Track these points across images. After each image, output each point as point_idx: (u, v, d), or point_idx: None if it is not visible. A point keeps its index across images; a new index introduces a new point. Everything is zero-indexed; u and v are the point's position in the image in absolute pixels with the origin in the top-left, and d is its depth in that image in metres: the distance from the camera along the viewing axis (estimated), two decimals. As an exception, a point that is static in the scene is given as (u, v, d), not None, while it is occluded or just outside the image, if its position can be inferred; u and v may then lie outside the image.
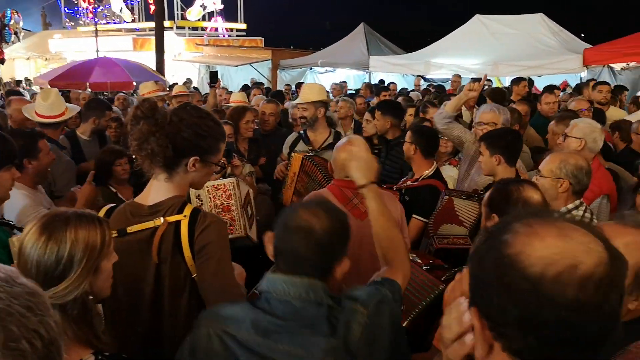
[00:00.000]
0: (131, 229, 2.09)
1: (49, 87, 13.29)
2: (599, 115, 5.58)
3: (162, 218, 2.07)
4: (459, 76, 11.43)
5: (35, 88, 14.87)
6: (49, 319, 0.91)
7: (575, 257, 0.90)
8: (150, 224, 2.08)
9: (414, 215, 3.81)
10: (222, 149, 2.24)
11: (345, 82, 14.67)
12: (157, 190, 2.16)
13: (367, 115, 5.37)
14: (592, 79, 9.37)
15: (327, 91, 5.88)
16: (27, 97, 10.22)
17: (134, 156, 2.17)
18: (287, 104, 6.91)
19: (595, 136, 3.87)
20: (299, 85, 13.36)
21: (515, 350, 0.95)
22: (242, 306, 1.71)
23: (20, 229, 2.59)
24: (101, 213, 2.16)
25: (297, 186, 4.16)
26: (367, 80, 15.66)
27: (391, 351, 1.68)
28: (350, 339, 1.58)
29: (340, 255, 1.73)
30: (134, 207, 2.16)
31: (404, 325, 2.51)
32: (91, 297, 1.63)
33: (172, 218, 2.08)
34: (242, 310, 1.68)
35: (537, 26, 13.45)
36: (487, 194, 2.53)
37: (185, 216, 2.08)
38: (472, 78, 12.61)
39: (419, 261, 2.78)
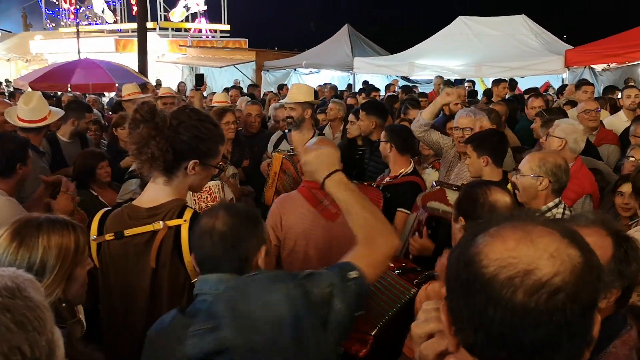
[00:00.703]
0: (128, 232, 2.06)
1: (30, 89, 13.13)
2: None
3: (161, 222, 2.03)
4: (442, 78, 11.45)
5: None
6: (41, 337, 0.87)
7: (533, 262, 0.89)
8: (149, 228, 2.04)
9: (398, 209, 3.82)
10: (221, 151, 2.22)
11: (329, 83, 14.66)
12: (155, 193, 2.12)
13: (351, 117, 5.36)
14: (584, 79, 9.42)
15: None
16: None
17: (135, 160, 2.11)
18: (272, 107, 6.89)
19: (576, 136, 3.90)
20: (281, 87, 13.31)
21: (469, 346, 0.97)
22: (171, 313, 1.74)
23: None
24: (97, 217, 2.13)
25: (278, 185, 4.18)
26: (351, 82, 15.69)
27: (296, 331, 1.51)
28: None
29: (254, 246, 1.77)
30: (132, 210, 2.12)
31: (372, 333, 2.47)
32: (64, 304, 1.60)
33: (172, 222, 2.05)
34: (168, 317, 1.72)
35: (519, 27, 13.59)
36: (457, 196, 2.53)
37: (185, 220, 2.05)
38: (450, 79, 12.76)
39: (392, 265, 2.72)
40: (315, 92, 6.61)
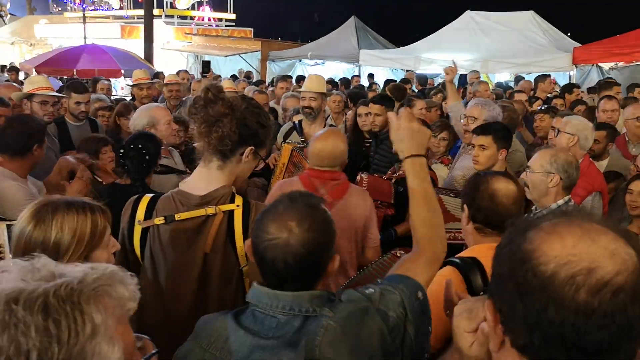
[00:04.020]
0: (180, 216, 2.04)
1: (35, 72, 13.12)
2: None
3: (215, 207, 2.02)
4: (477, 72, 11.07)
5: (21, 74, 14.65)
6: (60, 348, 0.83)
7: (595, 260, 0.86)
8: (201, 212, 2.03)
9: None
10: (269, 145, 2.23)
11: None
12: (207, 179, 2.09)
13: (362, 109, 5.33)
14: (610, 78, 9.12)
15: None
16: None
17: (195, 142, 2.09)
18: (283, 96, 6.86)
19: (587, 134, 3.89)
20: (284, 78, 13.16)
21: (521, 347, 0.93)
22: (226, 322, 1.55)
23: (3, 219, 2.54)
24: (144, 201, 2.11)
25: (285, 177, 4.18)
26: (356, 74, 15.63)
27: None
28: (312, 347, 1.43)
29: (329, 257, 1.59)
30: (184, 196, 2.09)
31: None
32: None
33: (226, 207, 2.04)
34: (226, 328, 1.54)
35: (527, 24, 13.54)
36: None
37: (238, 206, 2.04)
38: (461, 75, 12.71)
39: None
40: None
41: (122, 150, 3.22)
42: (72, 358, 0.84)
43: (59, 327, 0.84)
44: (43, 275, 0.90)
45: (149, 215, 2.09)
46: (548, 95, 8.06)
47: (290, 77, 12.48)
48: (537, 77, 8.93)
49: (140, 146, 3.14)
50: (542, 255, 0.90)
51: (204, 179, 2.10)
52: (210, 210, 2.02)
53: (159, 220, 2.05)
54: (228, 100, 2.02)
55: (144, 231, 2.08)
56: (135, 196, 2.18)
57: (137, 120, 3.76)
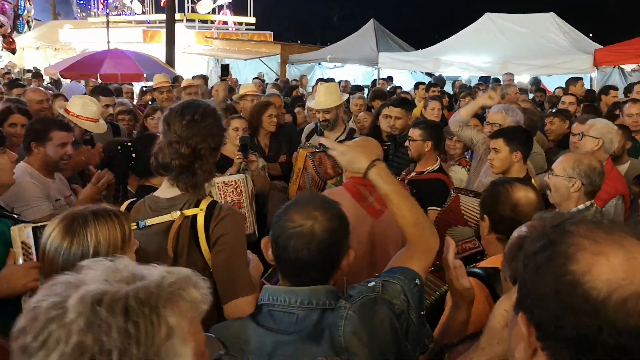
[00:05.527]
0: (149, 222, 2.12)
1: (60, 77, 13.36)
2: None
3: (178, 212, 2.10)
4: (512, 74, 10.86)
5: (46, 78, 14.91)
6: (139, 349, 0.87)
7: None
8: (167, 217, 2.11)
9: (430, 208, 3.80)
10: (221, 141, 2.31)
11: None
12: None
13: (386, 110, 5.37)
14: None
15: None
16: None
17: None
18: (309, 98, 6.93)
19: (612, 137, 3.87)
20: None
21: None
22: (245, 324, 1.62)
23: (23, 221, 2.58)
24: (122, 207, 2.19)
25: (300, 181, 4.25)
26: (375, 77, 15.63)
27: (396, 350, 1.58)
28: (336, 338, 1.51)
29: (345, 249, 1.68)
30: (154, 200, 2.19)
31: None
32: None
33: (189, 212, 2.11)
34: (245, 330, 1.61)
35: (547, 25, 13.40)
36: (481, 197, 2.50)
37: (201, 210, 2.11)
38: (481, 77, 12.63)
39: None
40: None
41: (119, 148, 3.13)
42: (149, 358, 0.88)
43: (138, 329, 0.87)
44: (124, 276, 0.94)
45: None
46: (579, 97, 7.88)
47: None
48: (568, 79, 8.79)
49: (132, 148, 3.06)
50: (593, 280, 0.90)
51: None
52: (174, 215, 2.10)
53: (132, 226, 2.12)
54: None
55: None
56: None
57: None
